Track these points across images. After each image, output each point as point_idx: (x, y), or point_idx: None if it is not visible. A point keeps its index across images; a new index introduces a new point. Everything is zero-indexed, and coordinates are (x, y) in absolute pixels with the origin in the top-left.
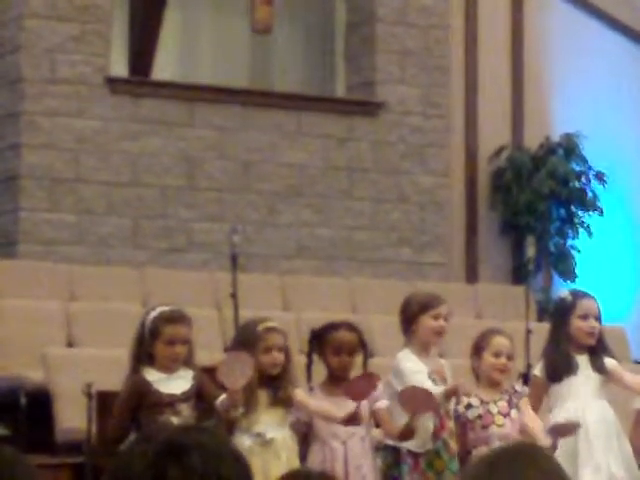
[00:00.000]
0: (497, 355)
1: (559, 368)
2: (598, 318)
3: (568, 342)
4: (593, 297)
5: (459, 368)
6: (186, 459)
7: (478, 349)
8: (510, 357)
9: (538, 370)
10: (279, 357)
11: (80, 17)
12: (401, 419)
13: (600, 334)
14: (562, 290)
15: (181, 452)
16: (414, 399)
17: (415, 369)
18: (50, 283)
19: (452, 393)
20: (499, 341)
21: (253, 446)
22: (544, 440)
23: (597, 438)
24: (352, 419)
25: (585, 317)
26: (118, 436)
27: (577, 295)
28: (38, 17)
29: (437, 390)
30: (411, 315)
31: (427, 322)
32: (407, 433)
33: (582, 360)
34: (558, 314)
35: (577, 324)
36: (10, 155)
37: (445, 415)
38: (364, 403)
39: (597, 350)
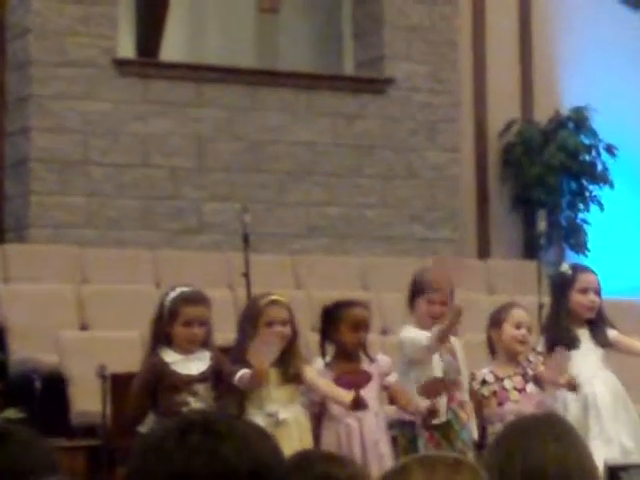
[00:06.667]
0: (518, 326)
1: (560, 342)
2: (598, 292)
3: (568, 316)
4: (593, 271)
5: (471, 343)
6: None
7: (497, 321)
8: (529, 329)
9: (540, 346)
10: (283, 330)
11: None
12: (411, 387)
13: (599, 307)
14: (562, 264)
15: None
16: (429, 388)
17: (414, 336)
18: (62, 266)
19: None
20: (519, 313)
21: (266, 427)
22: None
23: (606, 409)
24: (359, 404)
25: (585, 291)
26: (136, 417)
27: (577, 269)
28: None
29: (429, 335)
30: (410, 295)
31: (422, 306)
32: (432, 414)
33: (583, 334)
34: (558, 288)
35: (577, 298)
36: (20, 139)
37: (453, 386)
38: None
39: (598, 323)
